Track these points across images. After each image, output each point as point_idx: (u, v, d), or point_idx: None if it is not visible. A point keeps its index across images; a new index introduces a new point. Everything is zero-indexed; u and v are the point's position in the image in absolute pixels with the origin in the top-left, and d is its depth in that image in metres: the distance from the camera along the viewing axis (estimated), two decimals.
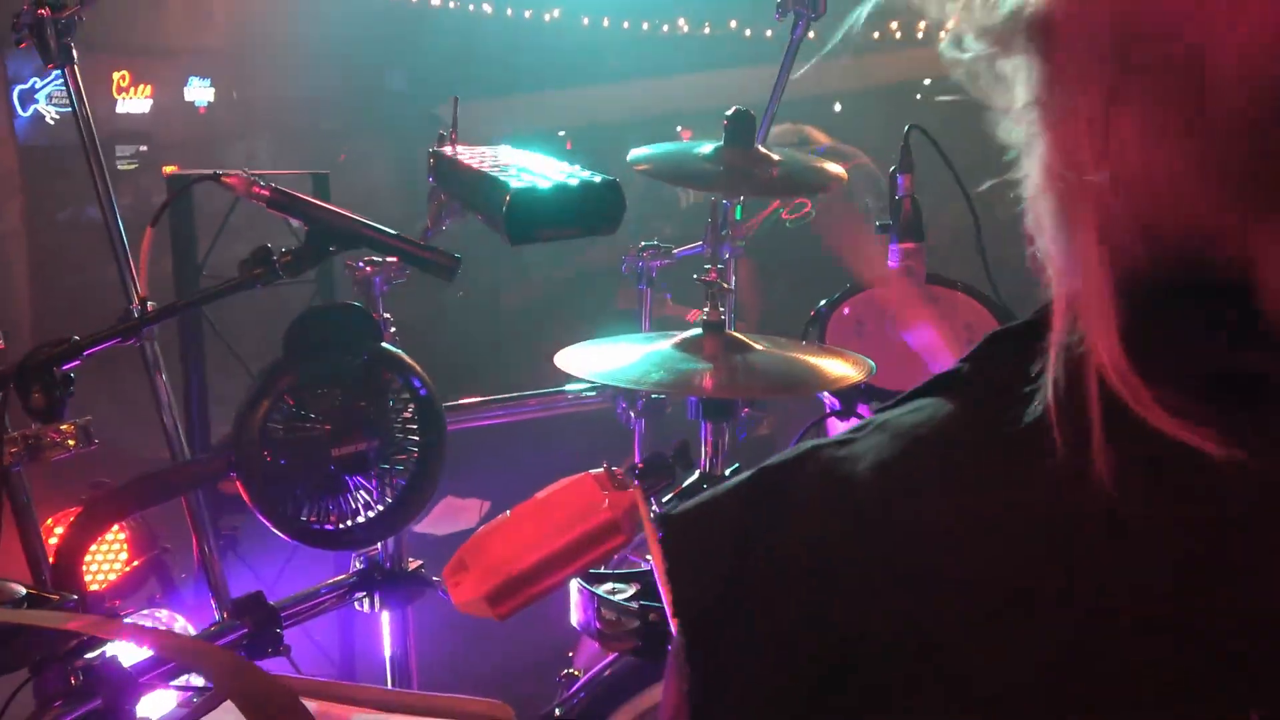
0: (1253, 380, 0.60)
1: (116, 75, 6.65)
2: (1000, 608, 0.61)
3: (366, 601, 1.99)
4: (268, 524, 1.72)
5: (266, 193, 1.56)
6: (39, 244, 6.07)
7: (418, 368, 1.81)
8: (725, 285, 1.72)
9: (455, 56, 7.90)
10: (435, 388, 1.81)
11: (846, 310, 2.07)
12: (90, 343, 1.54)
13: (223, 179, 1.54)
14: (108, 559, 2.41)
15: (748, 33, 9.27)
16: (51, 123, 6.07)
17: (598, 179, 1.62)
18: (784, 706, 0.65)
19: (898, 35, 9.06)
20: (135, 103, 6.80)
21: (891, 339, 2.02)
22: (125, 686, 1.29)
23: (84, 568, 1.91)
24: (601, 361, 1.71)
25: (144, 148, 6.70)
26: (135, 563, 2.44)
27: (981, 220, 2.00)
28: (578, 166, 1.70)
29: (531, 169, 1.66)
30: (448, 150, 1.79)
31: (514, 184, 1.56)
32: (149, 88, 6.89)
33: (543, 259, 7.13)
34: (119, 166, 6.46)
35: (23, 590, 1.29)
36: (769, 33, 9.08)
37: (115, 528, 2.37)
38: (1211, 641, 0.58)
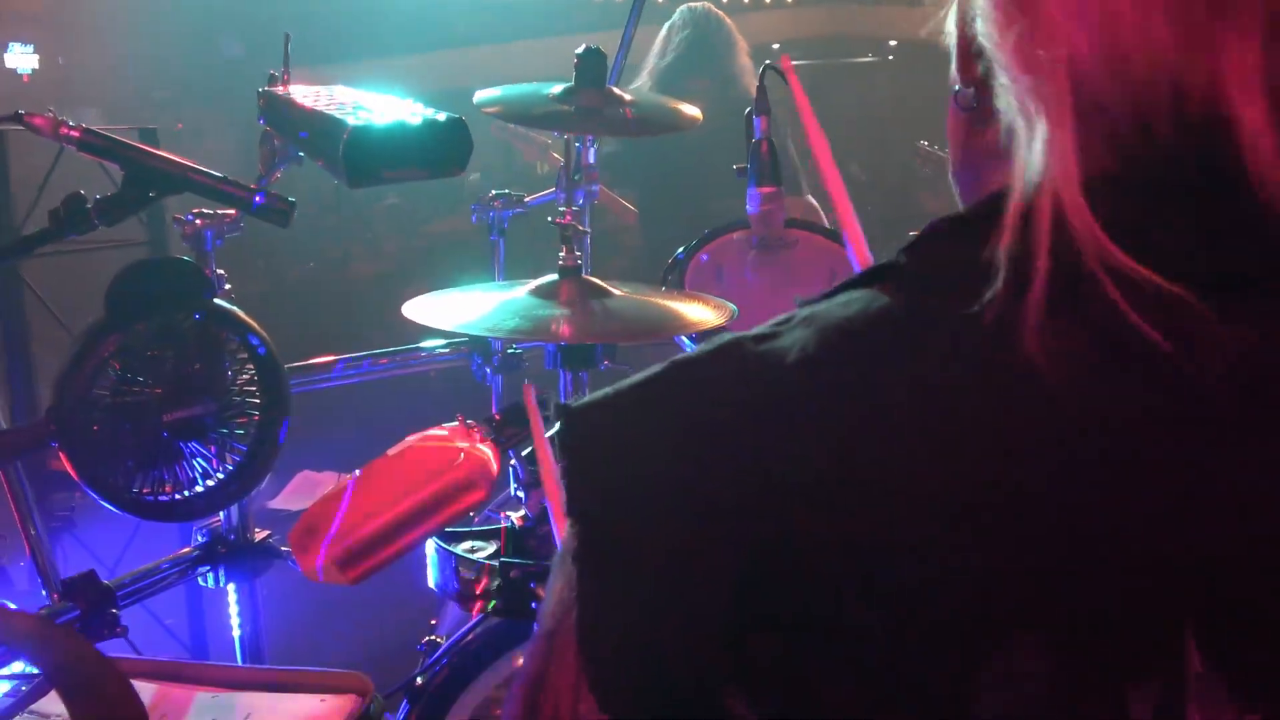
0: (1233, 280, 0.58)
1: None
2: (928, 510, 0.58)
3: (210, 576, 1.88)
4: (95, 497, 1.59)
5: (76, 134, 1.43)
6: None
7: (255, 325, 1.70)
8: (580, 228, 1.65)
9: (294, 22, 7.61)
10: (275, 345, 1.71)
11: (705, 257, 2.02)
12: None
13: (26, 118, 1.40)
14: None
15: None
16: None
17: (442, 116, 1.53)
18: (695, 609, 0.60)
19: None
20: None
21: (751, 283, 1.98)
22: None
23: None
24: (454, 312, 1.62)
25: None
26: None
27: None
28: (420, 104, 1.61)
29: (371, 107, 1.56)
30: (279, 90, 1.68)
31: (351, 121, 1.46)
32: None
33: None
34: None
35: None
36: None
37: None
38: (1133, 547, 0.56)
